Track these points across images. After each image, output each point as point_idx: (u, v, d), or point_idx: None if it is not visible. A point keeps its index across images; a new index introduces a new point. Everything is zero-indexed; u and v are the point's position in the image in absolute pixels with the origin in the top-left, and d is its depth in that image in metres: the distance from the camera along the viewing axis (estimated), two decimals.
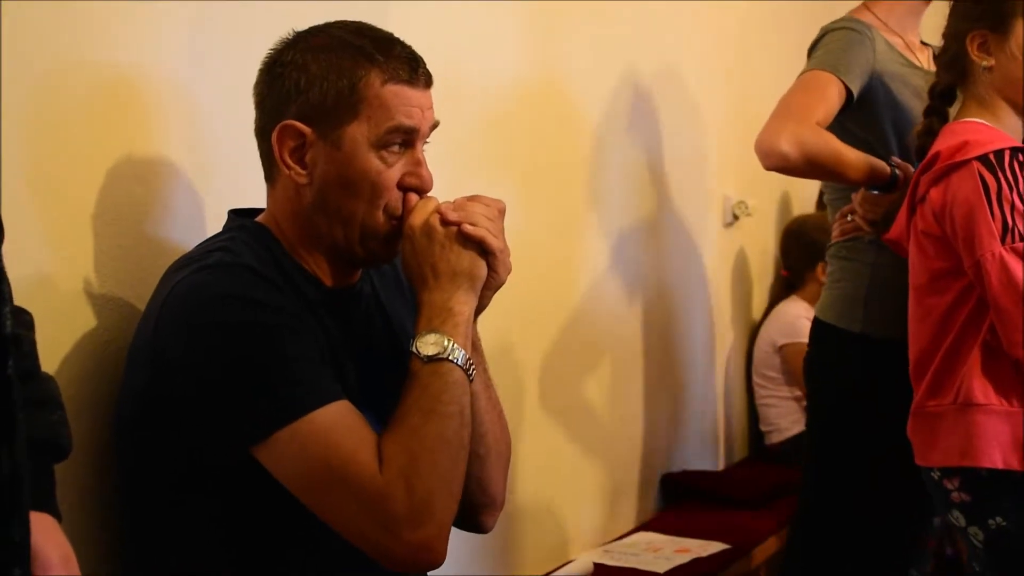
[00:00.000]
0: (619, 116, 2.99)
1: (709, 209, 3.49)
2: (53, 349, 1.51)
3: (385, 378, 1.56)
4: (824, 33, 2.32)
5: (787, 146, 2.13)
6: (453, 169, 2.07)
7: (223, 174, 1.78)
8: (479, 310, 1.53)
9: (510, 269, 1.53)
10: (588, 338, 2.90)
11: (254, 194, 1.60)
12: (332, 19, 1.54)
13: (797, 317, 3.57)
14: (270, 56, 1.52)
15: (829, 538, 2.35)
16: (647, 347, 3.17)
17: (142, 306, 1.52)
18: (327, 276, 1.54)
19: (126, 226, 1.63)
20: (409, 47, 1.51)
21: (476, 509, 1.63)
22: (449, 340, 1.44)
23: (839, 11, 2.42)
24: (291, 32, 1.52)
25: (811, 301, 3.59)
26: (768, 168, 2.20)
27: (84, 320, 1.57)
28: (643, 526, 3.05)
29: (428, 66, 1.52)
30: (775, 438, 3.60)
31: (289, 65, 1.48)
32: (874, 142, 2.27)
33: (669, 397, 3.29)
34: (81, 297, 1.57)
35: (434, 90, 1.53)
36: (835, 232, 2.39)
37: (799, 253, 3.72)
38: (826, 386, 2.38)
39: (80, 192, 1.58)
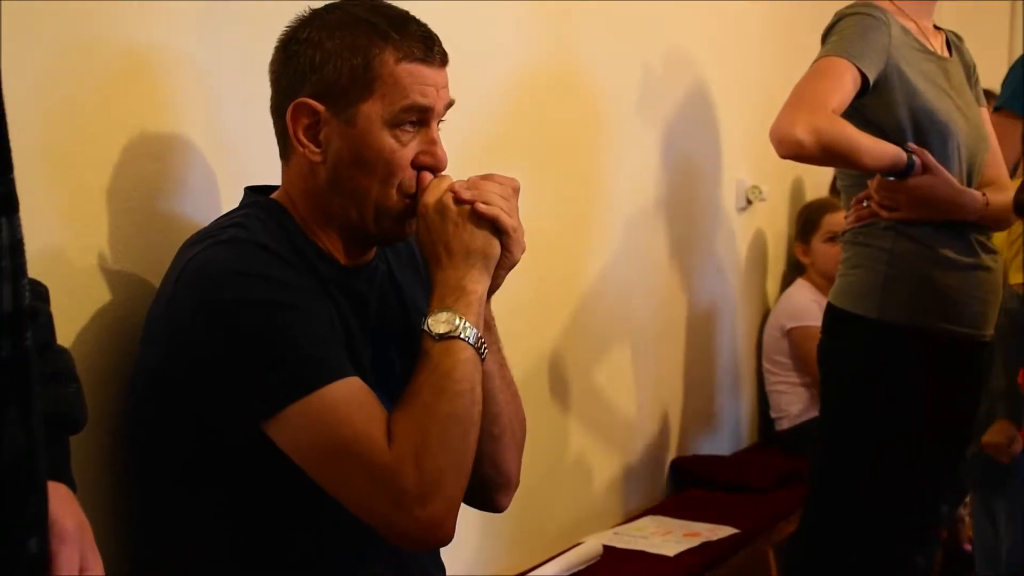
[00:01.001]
0: (632, 101, 2.99)
1: (722, 194, 3.48)
2: (68, 323, 1.52)
3: (398, 356, 1.57)
4: (839, 18, 2.30)
5: (802, 134, 2.12)
6: (466, 154, 2.07)
7: (237, 151, 1.78)
8: (493, 289, 1.52)
9: (524, 248, 1.53)
10: (599, 322, 2.90)
11: (268, 171, 1.61)
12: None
13: (807, 300, 3.57)
14: (285, 34, 1.52)
15: (837, 522, 2.35)
16: (658, 332, 3.17)
17: (156, 281, 1.53)
18: (341, 254, 1.54)
19: (140, 202, 1.63)
20: (425, 25, 1.51)
21: (491, 489, 1.64)
22: (461, 318, 1.44)
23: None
24: (307, 9, 1.52)
25: (816, 284, 3.61)
26: (783, 156, 2.19)
27: (99, 295, 1.58)
28: (653, 509, 3.05)
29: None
30: (785, 424, 3.60)
31: (304, 43, 1.48)
32: (890, 128, 2.26)
33: (680, 382, 3.29)
34: (96, 272, 1.57)
35: (451, 76, 1.53)
36: (850, 218, 2.38)
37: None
38: (840, 372, 2.37)
39: (95, 168, 1.58)
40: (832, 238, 3.53)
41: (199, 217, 1.67)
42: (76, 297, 1.54)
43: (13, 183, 0.96)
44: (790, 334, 3.57)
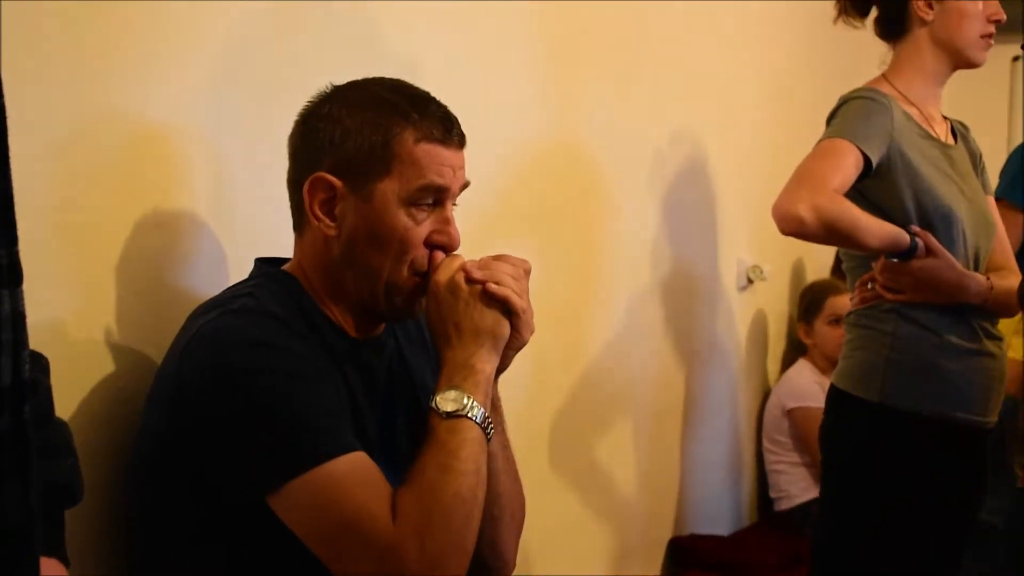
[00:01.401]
0: (635, 180, 3.01)
1: (723, 272, 3.49)
2: (69, 395, 1.51)
3: (404, 432, 1.56)
4: (843, 102, 2.32)
5: (804, 211, 2.13)
6: (471, 227, 2.09)
7: (245, 226, 1.78)
8: (501, 369, 1.52)
9: (533, 330, 1.53)
10: (599, 399, 2.90)
11: (275, 246, 1.61)
12: (357, 78, 1.55)
13: (808, 381, 3.57)
14: (307, 108, 1.53)
15: None
16: (658, 410, 3.17)
17: (158, 354, 1.52)
18: (351, 327, 1.55)
19: (146, 274, 1.63)
20: (444, 107, 1.52)
21: (488, 571, 1.61)
22: (469, 397, 1.44)
23: (857, 82, 2.43)
24: (329, 85, 1.54)
25: (818, 365, 3.61)
26: (785, 233, 2.20)
27: (100, 366, 1.57)
28: None
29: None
30: (784, 505, 3.58)
31: (325, 118, 1.49)
32: (893, 211, 2.27)
33: (679, 460, 3.27)
34: (98, 344, 1.57)
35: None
36: (855, 300, 2.38)
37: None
38: (841, 454, 2.36)
39: (101, 239, 1.58)
40: (835, 320, 3.54)
41: (204, 291, 1.66)
42: (77, 368, 1.53)
43: (17, 255, 0.96)
44: (791, 414, 3.56)
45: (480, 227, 2.30)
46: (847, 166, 2.19)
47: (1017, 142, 3.09)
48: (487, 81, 2.41)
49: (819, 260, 3.97)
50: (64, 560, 1.22)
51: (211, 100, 1.75)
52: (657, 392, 3.15)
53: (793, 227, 2.16)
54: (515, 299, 1.48)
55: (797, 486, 3.53)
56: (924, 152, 2.31)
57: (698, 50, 3.25)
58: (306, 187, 1.49)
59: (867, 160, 2.22)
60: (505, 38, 2.47)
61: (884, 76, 2.41)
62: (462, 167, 1.52)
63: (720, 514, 3.52)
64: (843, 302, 3.53)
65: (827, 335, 3.61)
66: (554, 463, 2.71)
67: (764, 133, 3.59)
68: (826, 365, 3.58)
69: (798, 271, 3.96)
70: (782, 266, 3.84)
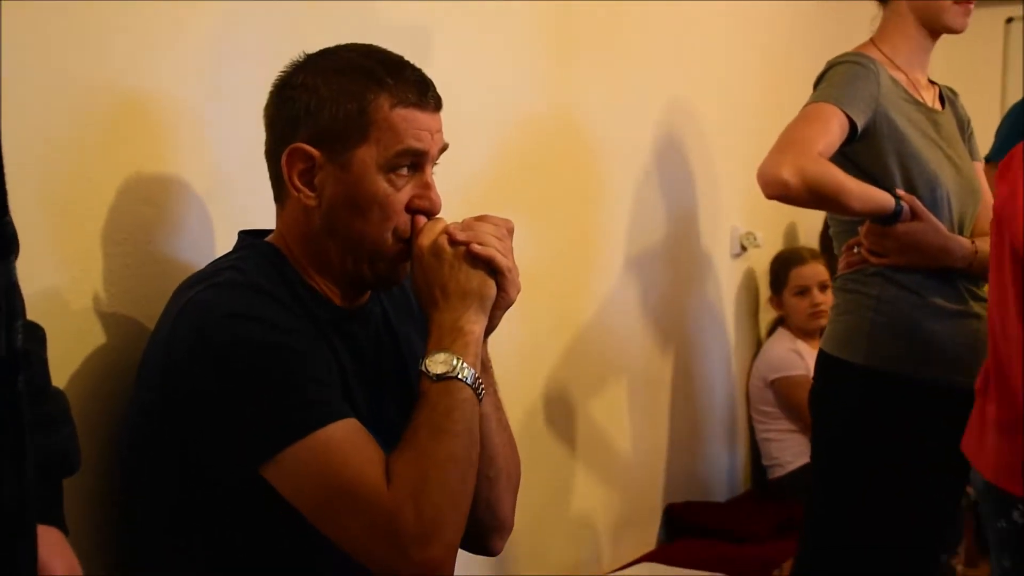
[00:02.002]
0: (629, 148, 3.01)
1: (717, 240, 3.50)
2: (62, 366, 1.52)
3: (392, 399, 1.56)
4: (829, 67, 2.33)
5: (788, 175, 2.13)
6: (466, 199, 2.08)
7: (232, 195, 1.79)
8: (489, 330, 1.53)
9: (520, 288, 1.53)
10: (594, 367, 2.90)
11: (262, 216, 1.61)
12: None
13: (784, 350, 3.57)
14: (280, 78, 1.52)
15: (835, 570, 2.33)
16: (653, 377, 3.17)
17: (150, 325, 1.53)
18: (336, 297, 1.55)
19: (136, 246, 1.64)
20: (419, 70, 1.52)
21: (485, 532, 1.62)
22: (458, 359, 1.44)
23: (851, 46, 2.43)
24: (301, 54, 1.53)
25: (796, 334, 3.61)
26: (769, 197, 2.20)
27: (93, 338, 1.58)
28: (646, 557, 3.03)
29: (445, 96, 1.52)
30: (777, 472, 3.59)
31: (299, 87, 1.49)
32: (878, 175, 2.27)
33: (674, 428, 3.28)
34: (91, 315, 1.58)
35: (450, 121, 1.54)
36: (841, 264, 2.39)
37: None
38: (830, 418, 2.37)
39: (92, 211, 1.59)
40: (801, 291, 3.55)
41: (195, 260, 1.67)
42: (71, 340, 1.54)
43: (11, 225, 0.96)
44: (774, 385, 3.57)
45: (475, 196, 2.30)
46: (832, 130, 2.19)
47: (1010, 104, 3.08)
48: (480, 51, 2.40)
49: (813, 226, 3.97)
50: (63, 528, 1.22)
51: (201, 70, 1.75)
52: (651, 360, 3.16)
53: (777, 191, 2.16)
54: (500, 258, 1.48)
55: (789, 453, 3.54)
56: (910, 117, 2.31)
57: (692, 18, 3.24)
58: (284, 158, 1.49)
59: (852, 124, 2.22)
60: (499, 9, 2.46)
61: (872, 41, 2.41)
62: (440, 130, 1.52)
63: (715, 481, 3.54)
64: (808, 272, 3.56)
65: (795, 306, 3.60)
66: (548, 432, 2.72)
67: (759, 101, 3.58)
68: (800, 334, 3.59)
69: (791, 238, 3.96)
70: (776, 233, 3.84)
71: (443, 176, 1.55)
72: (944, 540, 2.55)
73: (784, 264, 3.68)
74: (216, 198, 1.76)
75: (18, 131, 1.41)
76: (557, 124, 2.71)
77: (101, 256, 1.59)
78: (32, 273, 1.46)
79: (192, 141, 1.74)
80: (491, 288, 1.49)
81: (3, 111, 0.96)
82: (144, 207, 1.65)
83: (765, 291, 3.80)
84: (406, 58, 1.53)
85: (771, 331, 3.75)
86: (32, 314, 1.46)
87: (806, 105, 2.26)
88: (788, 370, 3.51)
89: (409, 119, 1.48)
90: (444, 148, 1.53)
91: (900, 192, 2.25)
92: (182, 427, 1.40)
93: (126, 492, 1.52)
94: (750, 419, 3.69)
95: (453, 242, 1.48)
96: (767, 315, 3.83)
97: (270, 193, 1.56)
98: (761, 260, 3.74)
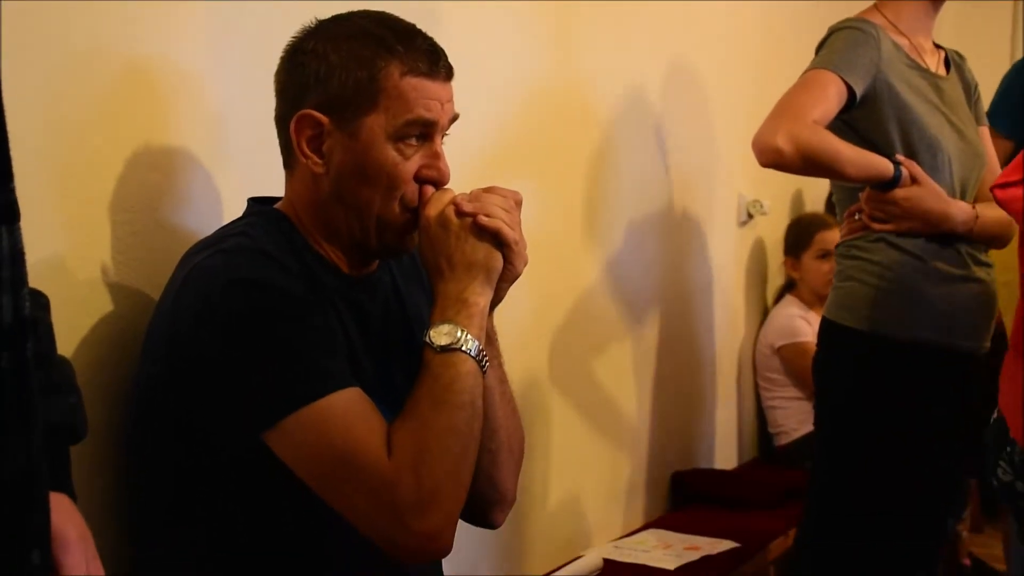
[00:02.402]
0: (634, 115, 2.99)
1: (724, 207, 3.49)
2: (69, 334, 1.52)
3: (400, 367, 1.56)
4: (831, 33, 2.32)
5: (782, 143, 2.13)
6: (470, 166, 2.08)
7: (239, 163, 1.78)
8: (495, 302, 1.52)
9: (526, 261, 1.52)
10: (601, 336, 2.90)
11: (270, 183, 1.61)
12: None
13: (791, 317, 3.58)
14: (291, 44, 1.52)
15: (839, 537, 2.34)
16: (660, 345, 3.17)
17: (157, 292, 1.53)
18: (344, 264, 1.54)
19: (142, 213, 1.64)
20: (430, 39, 1.50)
21: (486, 505, 1.62)
22: (463, 331, 1.44)
23: (855, 9, 2.42)
24: (314, 20, 1.52)
25: (804, 300, 3.61)
26: (764, 165, 2.20)
27: (100, 305, 1.58)
28: (653, 523, 3.05)
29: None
30: (783, 440, 3.60)
31: (310, 54, 1.48)
32: (879, 141, 2.27)
33: (681, 395, 3.29)
34: (97, 283, 1.58)
35: (455, 88, 1.53)
36: (843, 231, 2.39)
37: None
38: (834, 385, 2.37)
39: (97, 179, 1.58)
40: (824, 255, 3.54)
41: (201, 229, 1.67)
42: (77, 307, 1.54)
43: (14, 192, 0.96)
44: (780, 352, 3.57)
45: (479, 162, 2.29)
46: (829, 97, 2.19)
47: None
48: (483, 17, 2.39)
49: (819, 194, 3.96)
50: (72, 494, 1.23)
51: (205, 36, 1.74)
52: (658, 328, 3.16)
53: (771, 159, 2.17)
54: (506, 230, 1.47)
55: (794, 420, 3.55)
56: (911, 83, 2.30)
57: None
58: (293, 124, 1.48)
59: (851, 91, 2.21)
60: None
61: (875, 6, 2.41)
62: (450, 100, 1.51)
63: (723, 448, 3.55)
64: (832, 236, 3.53)
65: (815, 269, 3.60)
66: (555, 399, 2.72)
67: (765, 67, 3.56)
68: (813, 299, 3.58)
69: (797, 205, 3.95)
70: (782, 200, 3.83)
71: (447, 143, 1.54)
72: (951, 506, 2.55)
73: (807, 227, 3.68)
74: (222, 165, 1.76)
75: (20, 98, 1.40)
76: (560, 90, 2.70)
77: (107, 224, 1.59)
78: (37, 241, 1.45)
79: (198, 108, 1.73)
80: (497, 260, 1.48)
81: (4, 78, 0.95)
82: (150, 174, 1.65)
83: (774, 258, 3.80)
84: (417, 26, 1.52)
85: (778, 298, 3.75)
86: (37, 282, 1.45)
87: (805, 72, 2.26)
88: (795, 337, 3.51)
89: (419, 88, 1.47)
90: (455, 118, 1.52)
91: (900, 157, 2.25)
92: (187, 394, 1.40)
93: (134, 456, 1.52)
94: (756, 386, 3.70)
95: (460, 213, 1.47)
96: (775, 283, 3.83)
97: (277, 161, 1.55)
98: (768, 228, 3.74)
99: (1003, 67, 4.12)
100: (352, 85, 1.46)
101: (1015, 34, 4.93)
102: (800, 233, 3.70)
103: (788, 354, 3.53)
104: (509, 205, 1.50)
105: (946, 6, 2.44)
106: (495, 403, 1.57)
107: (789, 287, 3.74)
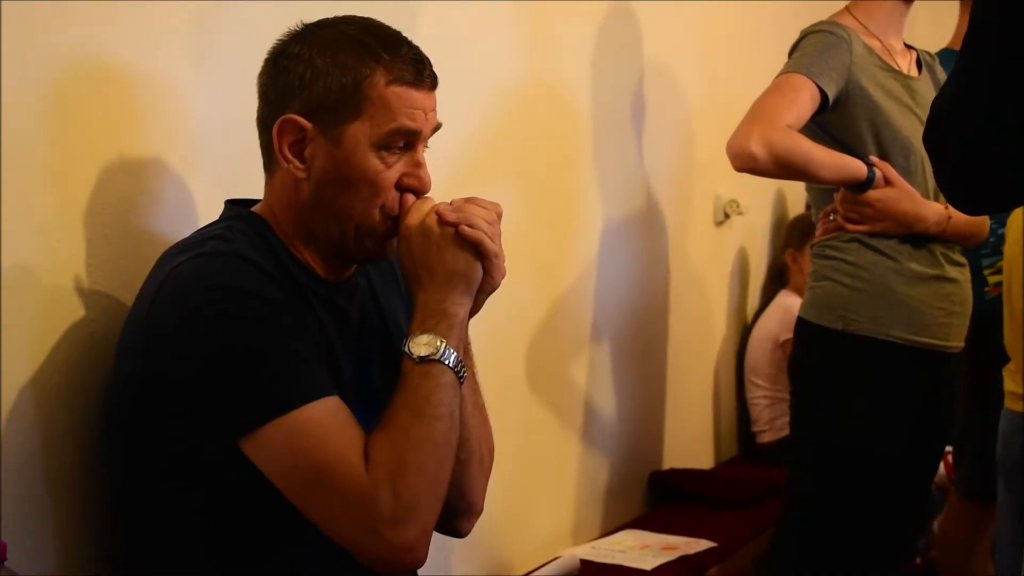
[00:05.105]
0: (611, 116, 2.99)
1: (700, 208, 3.50)
2: (40, 339, 1.51)
3: (377, 372, 1.56)
4: (803, 36, 2.34)
5: (756, 147, 2.15)
6: (446, 166, 2.08)
7: (212, 168, 1.77)
8: (472, 313, 1.51)
9: (505, 273, 1.51)
10: (577, 335, 2.91)
11: (244, 188, 1.60)
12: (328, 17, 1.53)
13: (793, 308, 3.57)
14: (276, 47, 1.51)
15: (815, 536, 2.35)
16: (637, 345, 3.18)
17: (129, 297, 1.52)
18: (321, 268, 1.53)
19: (115, 218, 1.62)
20: (416, 47, 1.50)
21: (453, 514, 1.61)
22: (442, 341, 1.43)
23: (830, 11, 2.42)
24: (299, 24, 1.51)
25: (801, 294, 3.61)
26: (738, 169, 2.22)
27: (72, 310, 1.56)
28: (630, 523, 3.05)
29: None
30: (768, 437, 3.60)
31: (295, 58, 1.47)
32: (852, 144, 2.29)
33: (658, 395, 3.29)
34: (69, 288, 1.56)
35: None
36: (818, 231, 2.41)
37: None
38: (809, 384, 2.38)
39: (70, 184, 1.57)
40: None
41: (174, 234, 1.65)
42: (49, 313, 1.53)
43: None
44: (786, 345, 3.56)
45: (456, 165, 2.29)
46: (802, 101, 2.21)
47: None
48: (460, 18, 2.39)
49: (799, 193, 3.97)
50: None
51: (179, 42, 1.73)
52: (636, 328, 3.16)
53: (745, 164, 2.19)
54: (488, 242, 1.47)
55: (782, 419, 3.54)
56: (883, 84, 2.32)
57: None
58: (275, 128, 1.47)
59: (824, 95, 2.22)
60: None
61: (847, 8, 2.42)
62: (433, 109, 1.51)
63: (701, 448, 3.56)
64: None
65: None
66: (532, 401, 2.72)
67: (743, 68, 3.57)
68: None
69: (776, 205, 3.96)
70: (761, 201, 3.84)
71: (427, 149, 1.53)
72: (927, 502, 2.56)
73: (813, 221, 3.68)
74: (196, 170, 1.74)
75: None
76: (537, 90, 2.69)
77: (80, 229, 1.57)
78: (7, 247, 1.45)
79: (171, 112, 1.71)
80: (477, 271, 1.48)
81: None
82: (123, 179, 1.62)
83: (755, 258, 3.80)
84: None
85: (770, 294, 3.74)
86: (9, 287, 1.45)
87: (778, 76, 2.27)
88: None
89: (404, 97, 1.46)
90: (437, 127, 1.52)
91: (873, 159, 2.27)
92: (164, 398, 1.39)
93: (110, 457, 1.51)
94: (737, 385, 3.70)
95: (443, 222, 1.47)
96: (756, 281, 3.84)
97: (251, 165, 1.55)
98: (746, 228, 3.74)
99: None
100: (337, 91, 1.45)
101: None
102: (805, 227, 3.70)
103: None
104: (491, 217, 1.50)
105: (923, 6, 2.45)
106: (467, 412, 1.56)
107: (780, 282, 3.75)
